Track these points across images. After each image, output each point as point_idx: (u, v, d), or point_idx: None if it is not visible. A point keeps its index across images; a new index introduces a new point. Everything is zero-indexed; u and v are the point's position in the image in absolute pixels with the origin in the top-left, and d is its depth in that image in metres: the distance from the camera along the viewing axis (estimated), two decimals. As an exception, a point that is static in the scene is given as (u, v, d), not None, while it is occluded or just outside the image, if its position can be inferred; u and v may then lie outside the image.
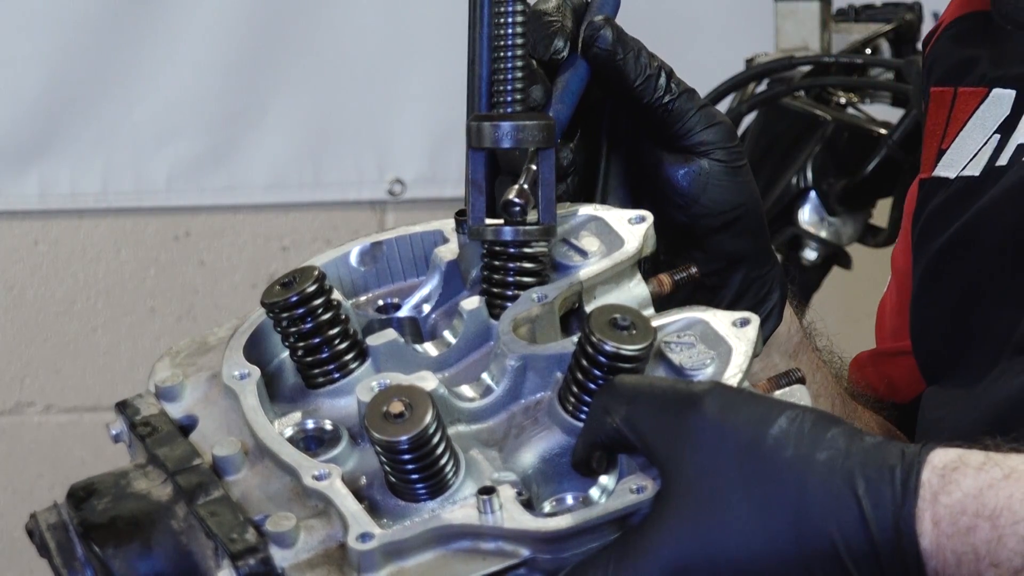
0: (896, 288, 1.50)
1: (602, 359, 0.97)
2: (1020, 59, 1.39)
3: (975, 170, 1.37)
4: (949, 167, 1.40)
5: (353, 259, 1.10)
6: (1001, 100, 1.39)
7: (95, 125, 3.15)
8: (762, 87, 2.59)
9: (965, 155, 1.38)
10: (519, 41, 1.09)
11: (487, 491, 0.94)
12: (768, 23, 2.90)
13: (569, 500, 1.00)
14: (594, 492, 0.99)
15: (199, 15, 3.11)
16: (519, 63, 1.09)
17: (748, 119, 2.60)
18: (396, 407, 0.94)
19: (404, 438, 0.93)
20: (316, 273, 1.02)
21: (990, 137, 1.37)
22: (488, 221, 1.06)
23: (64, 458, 3.33)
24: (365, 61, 3.15)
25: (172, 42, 3.12)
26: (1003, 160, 1.35)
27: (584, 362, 0.98)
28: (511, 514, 0.93)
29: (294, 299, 1.02)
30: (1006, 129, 1.36)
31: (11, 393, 3.31)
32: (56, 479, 3.33)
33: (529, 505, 0.96)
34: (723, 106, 2.62)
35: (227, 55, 3.14)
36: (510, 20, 1.08)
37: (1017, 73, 1.38)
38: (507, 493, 0.94)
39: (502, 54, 1.09)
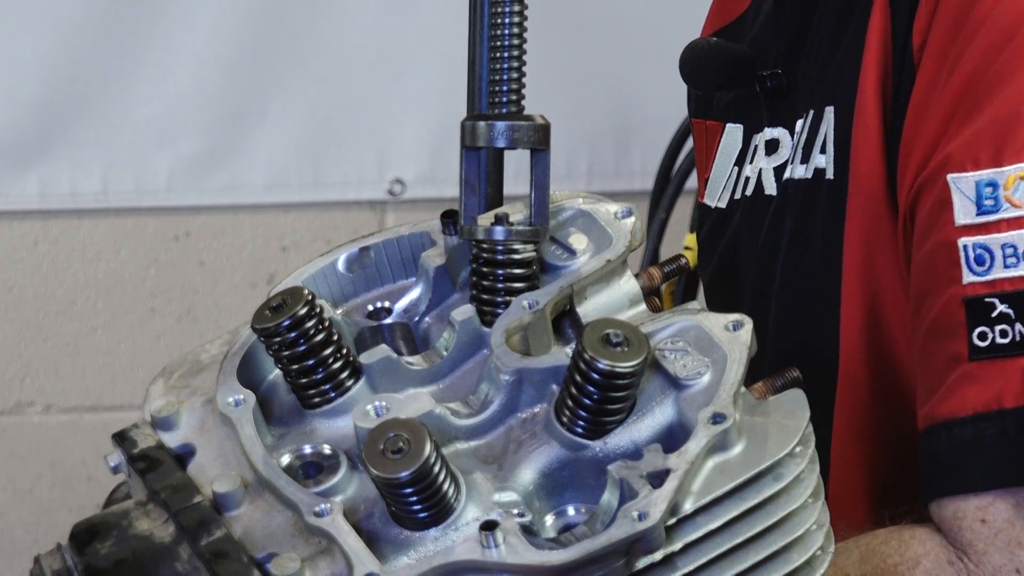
0: None
1: (596, 376, 0.96)
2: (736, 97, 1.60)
3: (723, 203, 1.59)
4: (711, 196, 1.62)
5: (341, 265, 1.10)
6: (734, 134, 1.60)
7: (95, 125, 3.15)
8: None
9: (718, 187, 1.60)
10: (516, 42, 1.08)
11: (489, 526, 0.93)
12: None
13: (571, 512, 0.99)
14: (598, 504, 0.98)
15: (199, 15, 3.10)
16: (516, 63, 1.08)
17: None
18: (394, 443, 0.93)
19: (404, 474, 0.93)
20: (306, 294, 1.01)
21: (731, 170, 1.58)
22: (479, 221, 1.05)
23: (64, 458, 3.32)
24: (365, 61, 3.15)
25: (172, 42, 3.11)
26: (738, 194, 1.57)
27: (579, 378, 0.97)
28: (514, 548, 0.92)
29: (286, 324, 1.01)
30: (740, 162, 1.57)
31: (11, 393, 3.30)
32: (56, 479, 3.33)
33: (531, 529, 0.96)
34: (724, 106, 2.61)
35: (227, 55, 3.13)
36: (508, 20, 1.08)
37: (739, 108, 1.58)
38: (509, 525, 0.93)
39: (500, 54, 1.08)
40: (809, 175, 1.44)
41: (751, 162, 1.56)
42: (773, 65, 1.54)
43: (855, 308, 1.40)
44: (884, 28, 1.39)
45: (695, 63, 1.61)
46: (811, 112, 1.46)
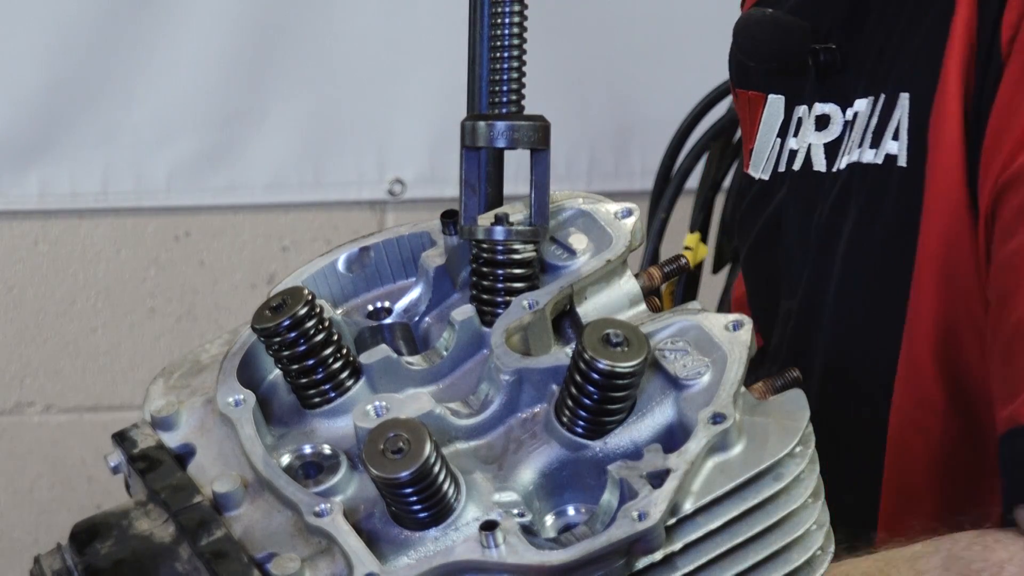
0: None
1: (596, 376, 0.96)
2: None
3: (766, 174, 1.59)
4: (755, 167, 1.61)
5: (340, 265, 1.10)
6: (776, 105, 1.59)
7: (95, 125, 3.14)
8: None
9: (761, 158, 1.59)
10: (516, 42, 1.08)
11: (489, 526, 0.93)
12: (769, 23, 2.88)
13: (571, 512, 0.99)
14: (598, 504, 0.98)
15: (199, 15, 3.10)
16: (516, 63, 1.08)
17: (748, 119, 2.59)
18: (394, 443, 0.93)
19: (404, 474, 0.93)
20: (306, 294, 1.01)
21: (774, 142, 1.58)
22: (479, 221, 1.05)
23: (64, 458, 3.32)
24: (365, 61, 3.14)
25: (172, 42, 3.11)
26: (781, 167, 1.57)
27: (579, 378, 0.97)
28: (514, 548, 0.92)
29: (286, 324, 1.01)
30: (783, 133, 1.57)
31: (11, 393, 3.30)
32: (56, 479, 3.33)
33: (531, 529, 0.96)
34: (723, 106, 2.61)
35: (227, 55, 3.13)
36: (508, 20, 1.08)
37: (780, 78, 1.58)
38: (509, 525, 0.93)
39: (499, 54, 1.08)
40: (879, 161, 1.43)
41: (795, 135, 1.56)
42: (824, 38, 1.53)
43: (926, 300, 1.39)
44: (970, 19, 1.37)
45: (750, 35, 1.59)
46: (881, 96, 1.45)
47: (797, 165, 1.54)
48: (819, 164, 1.52)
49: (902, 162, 1.41)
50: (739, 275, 1.80)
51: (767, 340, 1.63)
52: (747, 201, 1.65)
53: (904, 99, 1.42)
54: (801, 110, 1.56)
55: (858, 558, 1.26)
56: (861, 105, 1.48)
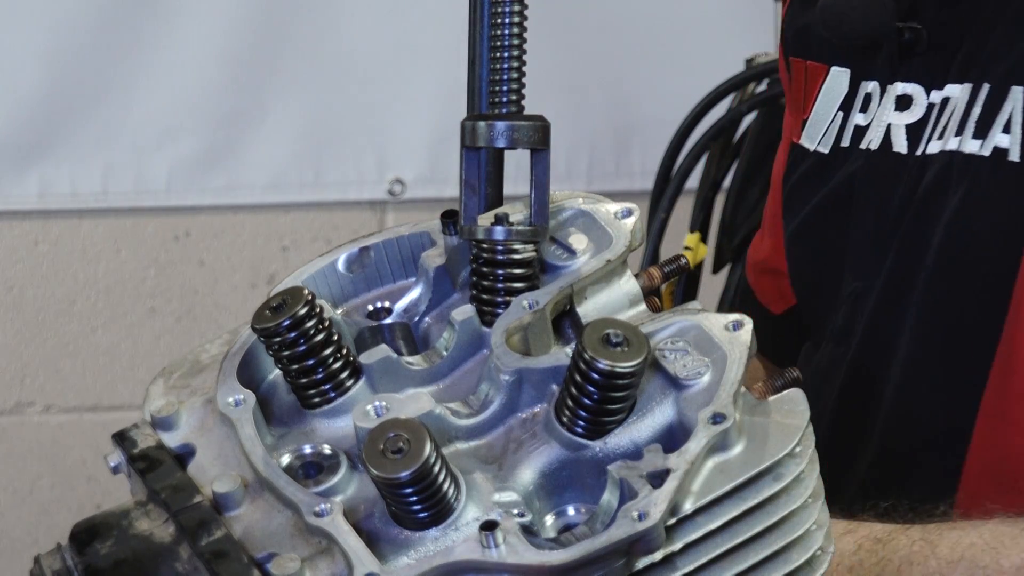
0: (769, 223, 1.72)
1: (596, 376, 0.96)
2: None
3: (825, 147, 1.57)
4: (809, 139, 1.60)
5: (340, 265, 1.10)
6: (839, 78, 1.58)
7: (95, 125, 3.15)
8: (762, 87, 2.59)
9: (819, 130, 1.58)
10: (516, 42, 1.08)
11: (489, 526, 0.93)
12: (768, 23, 2.90)
13: (571, 512, 0.99)
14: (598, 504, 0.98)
15: (199, 15, 3.10)
16: (516, 63, 1.08)
17: (748, 119, 2.59)
18: (394, 443, 0.93)
19: (404, 474, 0.93)
20: (306, 294, 1.01)
21: (835, 115, 1.57)
22: (479, 221, 1.05)
23: (64, 458, 3.32)
24: (365, 61, 3.15)
25: (172, 42, 3.12)
26: (845, 141, 1.55)
27: (579, 378, 0.97)
28: (514, 548, 0.92)
29: (286, 324, 1.01)
30: (846, 107, 1.56)
31: (11, 393, 3.30)
32: (56, 479, 3.33)
33: (531, 529, 0.96)
34: (723, 106, 2.62)
35: (227, 55, 3.13)
36: (508, 20, 1.08)
37: (846, 50, 1.57)
38: (509, 525, 0.93)
39: (499, 54, 1.08)
40: (986, 153, 1.41)
41: (862, 110, 1.55)
42: (908, 15, 1.52)
43: None
44: None
45: (837, 11, 1.57)
46: (984, 85, 1.43)
47: (874, 144, 1.52)
48: (899, 145, 1.50)
49: (1014, 157, 1.40)
50: (755, 239, 1.78)
51: (815, 315, 1.61)
52: (799, 173, 1.63)
53: (1018, 92, 1.40)
54: (870, 86, 1.54)
55: (970, 525, 1.26)
56: (955, 91, 1.46)
